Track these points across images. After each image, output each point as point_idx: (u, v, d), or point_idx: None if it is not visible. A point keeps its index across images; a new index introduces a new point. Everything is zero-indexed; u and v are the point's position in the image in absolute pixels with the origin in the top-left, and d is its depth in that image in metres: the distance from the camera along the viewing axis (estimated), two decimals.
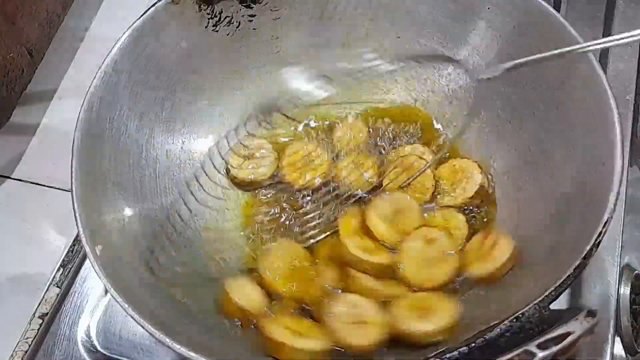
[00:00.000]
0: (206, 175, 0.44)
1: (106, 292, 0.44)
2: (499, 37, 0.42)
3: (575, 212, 0.34)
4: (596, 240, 0.30)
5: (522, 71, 0.40)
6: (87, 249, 0.34)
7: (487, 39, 0.42)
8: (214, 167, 0.45)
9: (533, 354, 0.24)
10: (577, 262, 0.30)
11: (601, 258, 0.41)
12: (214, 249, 0.41)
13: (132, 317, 0.32)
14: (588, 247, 0.30)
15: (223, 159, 0.45)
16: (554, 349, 0.24)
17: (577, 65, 0.37)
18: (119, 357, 0.42)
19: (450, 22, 0.43)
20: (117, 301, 0.32)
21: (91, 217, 0.36)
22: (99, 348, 0.42)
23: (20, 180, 0.50)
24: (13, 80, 0.48)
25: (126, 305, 0.32)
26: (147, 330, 0.31)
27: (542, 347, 0.24)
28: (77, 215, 0.35)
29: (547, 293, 0.28)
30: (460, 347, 0.28)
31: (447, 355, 0.27)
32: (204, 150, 0.45)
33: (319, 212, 0.43)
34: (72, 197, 0.35)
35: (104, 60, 0.40)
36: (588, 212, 0.33)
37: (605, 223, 0.31)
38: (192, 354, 0.30)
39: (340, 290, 0.38)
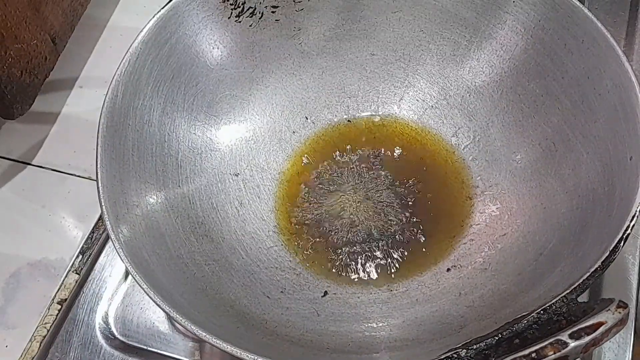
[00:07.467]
0: (229, 166, 0.44)
1: (125, 278, 0.44)
2: (524, 31, 0.42)
3: (602, 207, 0.34)
4: (624, 234, 0.30)
5: (546, 65, 0.39)
6: (112, 235, 0.34)
7: (512, 33, 0.42)
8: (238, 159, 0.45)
9: (565, 344, 0.24)
10: (605, 256, 0.30)
11: (622, 255, 0.41)
12: (236, 240, 0.41)
13: (156, 303, 0.32)
14: (615, 241, 0.30)
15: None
16: (587, 338, 0.24)
17: (602, 58, 0.37)
18: (136, 344, 0.42)
19: (475, 16, 0.43)
20: (141, 287, 0.32)
21: (115, 203, 0.36)
22: (116, 335, 0.43)
23: (40, 167, 0.50)
24: (36, 67, 0.48)
25: (150, 291, 0.32)
26: (171, 316, 0.31)
27: (573, 336, 0.24)
28: (102, 200, 0.35)
29: (575, 286, 0.28)
30: (487, 339, 0.28)
31: (474, 347, 0.27)
32: (226, 141, 0.45)
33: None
34: (97, 182, 0.35)
35: (128, 49, 0.40)
36: (615, 207, 0.32)
37: (634, 217, 0.30)
38: (218, 341, 0.30)
39: None
